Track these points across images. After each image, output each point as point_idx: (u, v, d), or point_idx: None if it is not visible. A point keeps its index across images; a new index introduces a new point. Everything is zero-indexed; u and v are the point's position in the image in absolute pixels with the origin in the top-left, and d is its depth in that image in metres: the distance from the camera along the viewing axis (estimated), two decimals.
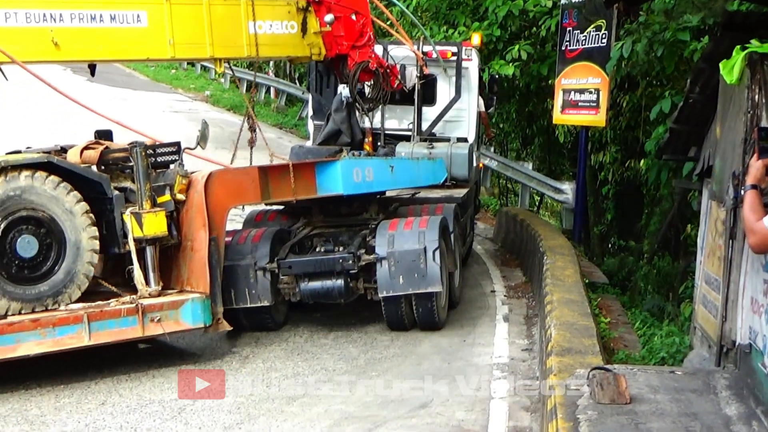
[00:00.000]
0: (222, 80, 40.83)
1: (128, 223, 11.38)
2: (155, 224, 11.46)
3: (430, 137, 16.74)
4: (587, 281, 15.03)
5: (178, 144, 12.44)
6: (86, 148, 11.90)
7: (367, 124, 16.21)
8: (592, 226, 24.22)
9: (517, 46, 20.81)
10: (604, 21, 18.13)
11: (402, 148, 16.00)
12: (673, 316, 14.93)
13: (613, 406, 7.54)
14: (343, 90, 15.54)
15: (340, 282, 12.87)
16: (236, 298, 12.63)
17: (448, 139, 16.65)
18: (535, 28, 21.70)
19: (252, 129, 14.42)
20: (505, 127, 29.62)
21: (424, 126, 16.97)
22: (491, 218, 24.28)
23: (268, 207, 14.69)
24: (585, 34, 18.67)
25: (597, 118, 18.64)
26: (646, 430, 7.05)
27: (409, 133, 16.92)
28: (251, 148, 14.38)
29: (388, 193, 15.26)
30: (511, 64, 20.68)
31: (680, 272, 17.21)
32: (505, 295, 15.59)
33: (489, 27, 21.22)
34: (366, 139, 16.16)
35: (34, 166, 10.93)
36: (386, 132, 16.84)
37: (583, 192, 21.71)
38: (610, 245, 24.16)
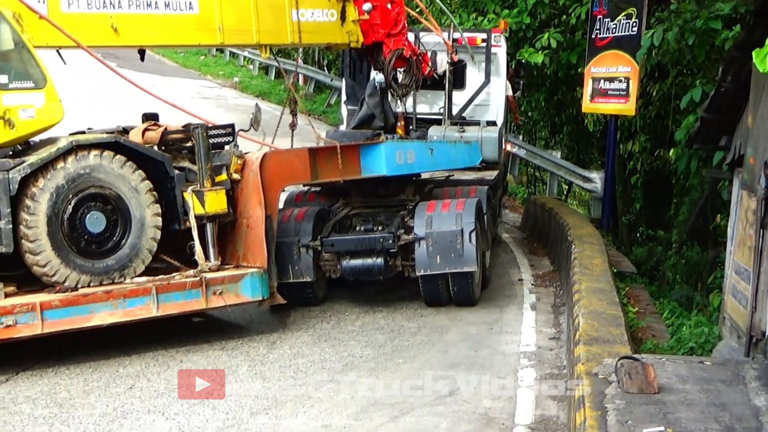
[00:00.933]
0: (250, 67, 40.89)
1: (189, 200, 11.89)
2: (216, 202, 12.02)
3: (460, 121, 17.02)
4: (615, 270, 14.98)
5: (232, 126, 13.16)
6: (146, 129, 12.39)
7: (399, 109, 16.48)
8: (620, 215, 24.11)
9: (546, 34, 20.75)
10: (634, 9, 18.05)
11: (434, 132, 16.32)
12: (702, 307, 14.87)
13: (642, 395, 7.53)
14: (377, 76, 15.92)
15: (380, 260, 13.41)
16: (280, 273, 12.97)
17: (477, 123, 16.90)
18: (565, 16, 21.63)
19: (293, 113, 14.76)
20: (534, 116, 29.53)
21: (455, 110, 17.25)
22: (519, 207, 24.20)
23: (307, 187, 15.14)
24: (615, 22, 18.59)
25: (627, 107, 18.57)
26: (675, 420, 7.03)
27: (440, 117, 17.22)
28: (292, 131, 14.71)
29: (423, 175, 15.68)
30: (540, 52, 20.65)
31: (709, 262, 17.12)
32: (532, 284, 15.54)
33: (519, 14, 21.16)
34: (398, 123, 16.47)
35: (102, 146, 11.42)
36: (418, 116, 17.10)
37: (612, 181, 21.62)
38: (638, 234, 24.01)
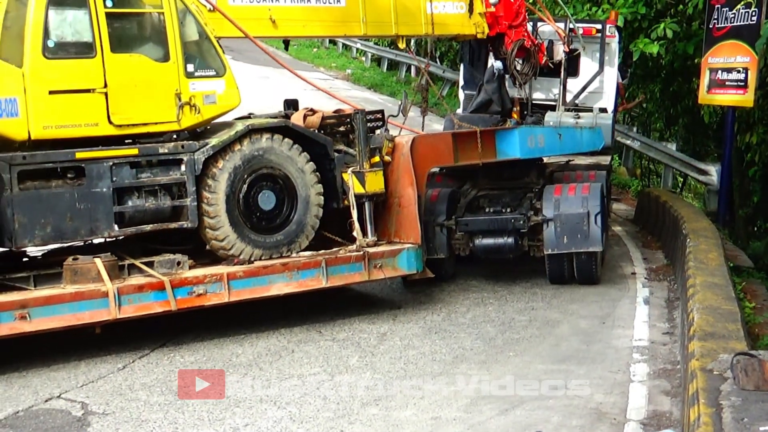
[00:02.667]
0: (363, 59, 41.08)
1: (349, 181, 12.80)
2: (375, 182, 13.02)
3: (574, 107, 17.26)
4: (731, 265, 14.67)
5: (382, 112, 14.18)
6: (306, 114, 13.28)
7: (517, 95, 16.93)
8: (737, 208, 23.55)
9: (662, 24, 20.36)
10: None
11: (550, 117, 16.66)
12: None
13: (758, 392, 7.36)
14: (495, 63, 16.35)
15: (511, 240, 14.32)
16: None
17: (590, 109, 17.14)
18: (681, 6, 21.21)
19: (425, 100, 15.85)
20: (649, 107, 29.06)
21: (568, 97, 17.45)
22: (632, 199, 23.89)
23: (434, 169, 15.50)
24: (734, 11, 18.21)
25: (745, 98, 18.17)
26: None
27: (552, 103, 17.49)
28: (423, 117, 15.71)
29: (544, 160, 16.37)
30: (656, 43, 20.27)
31: None
32: (645, 278, 15.35)
33: (634, 4, 20.79)
34: (514, 108, 16.86)
35: (272, 130, 12.41)
36: (532, 102, 17.45)
37: (729, 173, 21.17)
38: (756, 228, 23.50)
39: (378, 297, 14.02)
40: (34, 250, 12.10)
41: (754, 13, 17.67)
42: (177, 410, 9.41)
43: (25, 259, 12.13)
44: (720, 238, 15.54)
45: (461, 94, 18.39)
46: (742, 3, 17.99)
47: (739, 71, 18.17)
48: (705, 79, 19.34)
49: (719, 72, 18.75)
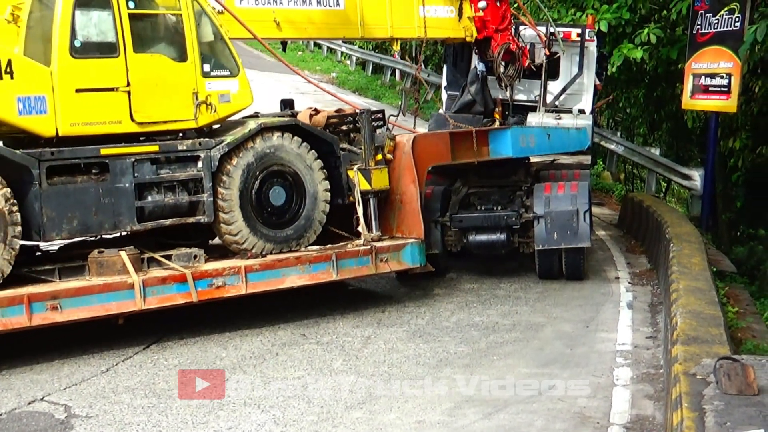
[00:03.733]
0: (348, 62, 41.03)
1: (355, 178, 13.29)
2: (380, 179, 13.57)
3: (554, 109, 17.45)
4: (715, 270, 14.75)
5: (382, 111, 14.77)
6: (311, 114, 13.93)
7: (500, 96, 17.17)
8: (720, 213, 23.64)
9: (646, 30, 20.42)
10: (737, 4, 17.74)
11: (532, 119, 16.89)
12: None
13: (741, 397, 7.39)
14: (478, 64, 16.76)
15: (503, 236, 14.95)
16: None
17: (569, 111, 17.33)
18: (665, 11, 21.30)
19: (417, 100, 16.54)
20: (633, 112, 29.13)
21: (548, 98, 17.62)
22: (616, 204, 23.95)
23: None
24: (717, 17, 18.29)
25: (728, 104, 18.24)
26: None
27: (532, 104, 17.69)
28: (415, 116, 16.20)
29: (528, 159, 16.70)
30: (639, 48, 20.33)
31: None
32: (629, 282, 15.40)
33: (618, 10, 20.85)
34: (497, 109, 17.06)
35: (283, 128, 12.87)
36: (513, 103, 17.65)
37: (712, 179, 21.25)
38: (739, 233, 23.58)
39: (362, 300, 14.01)
40: (45, 245, 12.27)
41: (737, 19, 17.75)
42: (160, 413, 9.38)
43: (38, 253, 12.44)
44: (703, 242, 15.61)
45: (444, 95, 18.60)
46: (726, 9, 18.07)
47: (722, 77, 18.24)
48: (688, 85, 19.40)
49: (703, 77, 18.82)
